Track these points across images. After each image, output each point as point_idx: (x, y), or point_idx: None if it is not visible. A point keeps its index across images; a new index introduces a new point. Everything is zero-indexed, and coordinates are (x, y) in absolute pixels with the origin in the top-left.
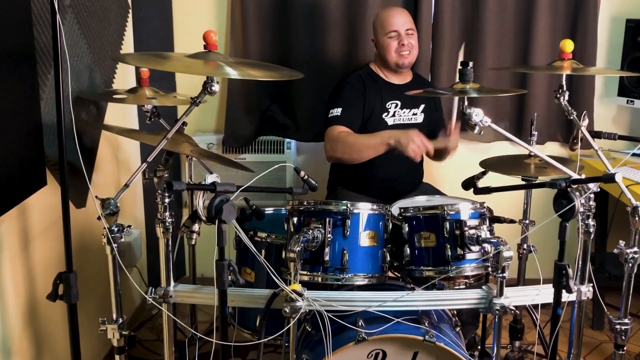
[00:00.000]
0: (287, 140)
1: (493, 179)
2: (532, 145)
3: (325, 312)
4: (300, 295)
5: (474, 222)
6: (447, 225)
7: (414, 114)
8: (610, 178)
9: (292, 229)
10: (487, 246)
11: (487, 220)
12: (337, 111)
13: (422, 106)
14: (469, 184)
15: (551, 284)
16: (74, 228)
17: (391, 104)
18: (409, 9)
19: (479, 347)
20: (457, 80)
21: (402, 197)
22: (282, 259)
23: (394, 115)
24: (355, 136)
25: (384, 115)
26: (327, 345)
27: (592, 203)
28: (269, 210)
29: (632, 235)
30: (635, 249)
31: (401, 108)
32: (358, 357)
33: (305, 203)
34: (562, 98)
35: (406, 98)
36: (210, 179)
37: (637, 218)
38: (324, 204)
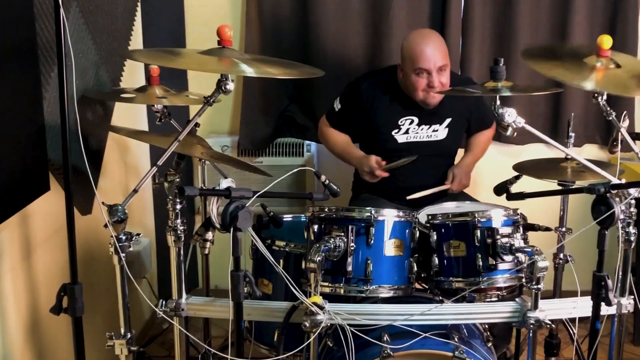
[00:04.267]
0: (307, 142)
1: (527, 183)
2: (568, 148)
3: (348, 327)
4: (321, 308)
5: (506, 230)
6: (478, 233)
7: (434, 131)
8: None
9: (312, 238)
10: (521, 256)
11: (521, 228)
12: (337, 107)
13: (448, 120)
14: (502, 189)
15: (589, 296)
16: (79, 236)
17: (405, 120)
18: (438, 1)
19: None
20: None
21: (431, 204)
22: (301, 270)
23: (406, 133)
24: (340, 145)
25: (393, 133)
26: None
27: (633, 209)
28: (288, 218)
29: None
30: None
31: (418, 124)
32: None
33: (326, 210)
34: (600, 97)
35: (427, 113)
36: (224, 184)
37: None
38: (346, 211)
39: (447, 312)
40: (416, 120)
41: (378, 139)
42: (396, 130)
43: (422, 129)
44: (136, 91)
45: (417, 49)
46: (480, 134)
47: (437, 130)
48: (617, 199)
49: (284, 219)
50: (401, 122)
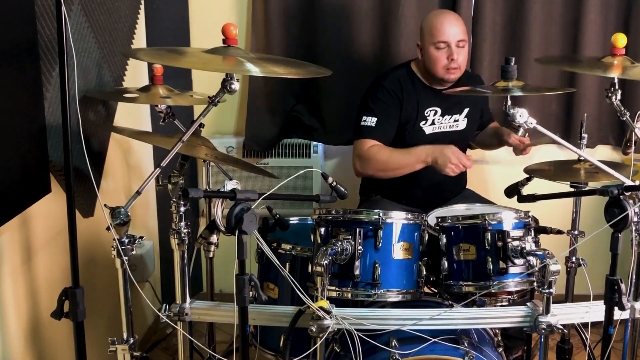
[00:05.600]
0: (314, 143)
1: (539, 185)
2: (581, 149)
3: (356, 332)
4: (328, 312)
5: (517, 233)
6: (489, 236)
7: (455, 121)
8: None
9: (319, 241)
10: (532, 259)
11: (532, 231)
12: (370, 121)
13: (466, 110)
14: (513, 191)
15: (602, 301)
16: (80, 239)
17: (430, 111)
18: None
19: None
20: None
21: (443, 205)
22: (308, 273)
23: (433, 124)
24: (388, 152)
25: (421, 124)
26: None
27: None
28: (294, 220)
29: None
30: None
31: (442, 115)
32: None
33: (333, 212)
34: (614, 97)
35: (448, 103)
36: (229, 185)
37: None
38: (353, 213)
39: (457, 317)
40: (439, 110)
41: (408, 132)
42: (423, 122)
43: (445, 119)
44: (139, 91)
45: (437, 22)
46: (493, 123)
47: (457, 121)
48: (631, 201)
49: (290, 222)
50: (427, 112)
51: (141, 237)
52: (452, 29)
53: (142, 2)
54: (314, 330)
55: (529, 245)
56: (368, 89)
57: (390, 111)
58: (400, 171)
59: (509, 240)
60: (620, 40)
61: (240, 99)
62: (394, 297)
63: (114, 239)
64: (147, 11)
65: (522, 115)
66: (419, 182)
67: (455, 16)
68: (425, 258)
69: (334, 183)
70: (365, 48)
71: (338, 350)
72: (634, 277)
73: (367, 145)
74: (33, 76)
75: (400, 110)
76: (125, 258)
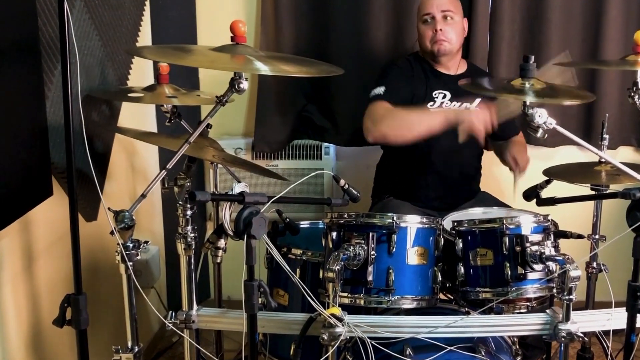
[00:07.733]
0: (325, 144)
1: (558, 188)
2: (602, 151)
3: (369, 340)
4: (340, 320)
5: (536, 238)
6: (507, 240)
7: (466, 109)
8: None
9: (330, 245)
10: (552, 265)
11: (552, 236)
12: (379, 90)
13: (478, 100)
14: (531, 194)
15: (624, 308)
16: (83, 244)
17: (438, 93)
18: None
19: None
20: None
21: (457, 207)
22: (319, 279)
23: (440, 107)
24: (404, 110)
25: (429, 105)
26: None
27: None
28: (305, 224)
29: None
30: None
31: (450, 100)
32: None
33: (345, 216)
34: (636, 97)
35: (457, 90)
36: (238, 188)
37: None
38: (366, 217)
39: (474, 324)
40: (448, 95)
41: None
42: (431, 103)
43: (454, 105)
44: (144, 90)
45: None
46: (516, 137)
47: (469, 109)
48: None
49: (301, 226)
50: (435, 94)
51: (146, 242)
52: (435, 0)
53: None
54: (326, 338)
55: (549, 250)
56: (385, 65)
57: (399, 83)
58: (417, 129)
59: (528, 245)
60: None
61: (249, 99)
62: (408, 303)
63: (118, 244)
64: (152, 8)
65: (541, 116)
66: (431, 183)
67: None
68: (441, 263)
69: (346, 185)
70: (379, 46)
71: (350, 359)
72: None
73: (377, 105)
74: (34, 75)
75: (411, 86)
76: (129, 263)
